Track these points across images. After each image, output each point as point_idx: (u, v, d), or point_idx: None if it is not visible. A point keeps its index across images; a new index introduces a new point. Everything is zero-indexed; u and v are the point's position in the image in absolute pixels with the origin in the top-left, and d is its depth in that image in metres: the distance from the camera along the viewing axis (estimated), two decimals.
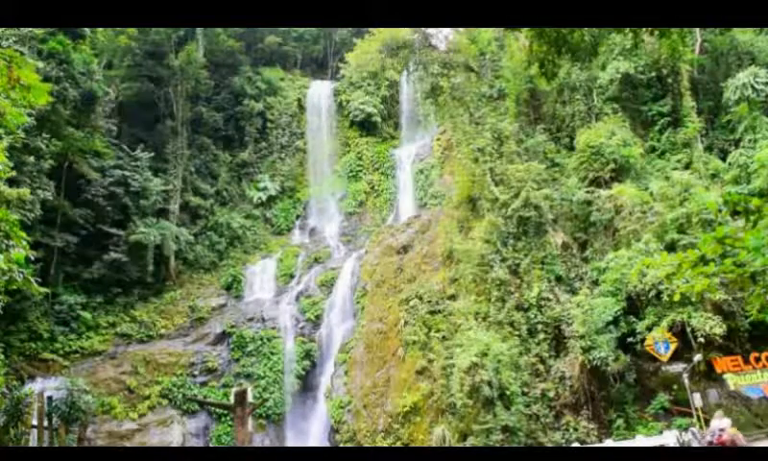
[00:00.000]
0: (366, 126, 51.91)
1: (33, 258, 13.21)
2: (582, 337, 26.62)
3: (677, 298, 13.67)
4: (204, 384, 34.56)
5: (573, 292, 29.40)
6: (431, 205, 42.26)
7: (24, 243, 12.00)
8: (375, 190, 48.10)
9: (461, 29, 39.79)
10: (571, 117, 37.66)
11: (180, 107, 45.44)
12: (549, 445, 25.70)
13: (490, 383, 25.03)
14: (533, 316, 28.88)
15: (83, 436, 28.49)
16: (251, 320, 37.49)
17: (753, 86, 33.82)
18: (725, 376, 26.50)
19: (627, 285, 27.25)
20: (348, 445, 29.46)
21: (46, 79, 28.18)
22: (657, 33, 8.91)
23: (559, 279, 30.13)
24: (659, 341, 25.92)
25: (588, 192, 32.54)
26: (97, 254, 36.87)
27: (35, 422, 26.06)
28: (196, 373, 34.86)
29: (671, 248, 26.23)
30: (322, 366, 34.97)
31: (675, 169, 32.58)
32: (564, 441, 25.88)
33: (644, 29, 9.06)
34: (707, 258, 6.59)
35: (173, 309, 38.76)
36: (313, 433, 32.77)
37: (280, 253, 43.90)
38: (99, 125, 39.33)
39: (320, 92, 54.41)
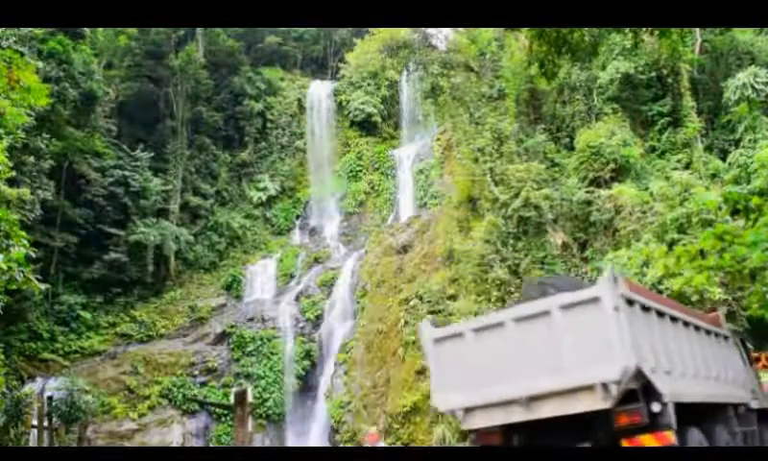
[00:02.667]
0: (366, 126, 51.88)
1: (33, 257, 13.24)
2: None
3: (676, 291, 13.68)
4: (203, 384, 34.45)
5: None
6: (431, 205, 42.19)
7: (24, 242, 12.03)
8: (375, 190, 48.03)
9: (461, 29, 39.77)
10: (571, 117, 37.60)
11: (179, 107, 45.38)
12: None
13: None
14: None
15: (83, 436, 28.43)
16: (251, 320, 37.40)
17: (753, 86, 33.78)
18: None
19: None
20: (348, 445, 29.46)
21: (46, 79, 28.21)
22: (657, 33, 8.93)
23: None
24: None
25: (588, 192, 32.50)
26: (97, 254, 36.81)
27: (35, 422, 26.01)
28: (196, 373, 34.76)
29: (671, 248, 26.21)
30: (322, 366, 34.88)
31: (675, 169, 32.53)
32: None
33: (644, 29, 9.07)
34: (705, 253, 6.58)
35: (173, 309, 38.70)
36: (313, 433, 32.72)
37: (280, 253, 43.83)
38: (99, 125, 39.26)
39: (320, 92, 54.36)
